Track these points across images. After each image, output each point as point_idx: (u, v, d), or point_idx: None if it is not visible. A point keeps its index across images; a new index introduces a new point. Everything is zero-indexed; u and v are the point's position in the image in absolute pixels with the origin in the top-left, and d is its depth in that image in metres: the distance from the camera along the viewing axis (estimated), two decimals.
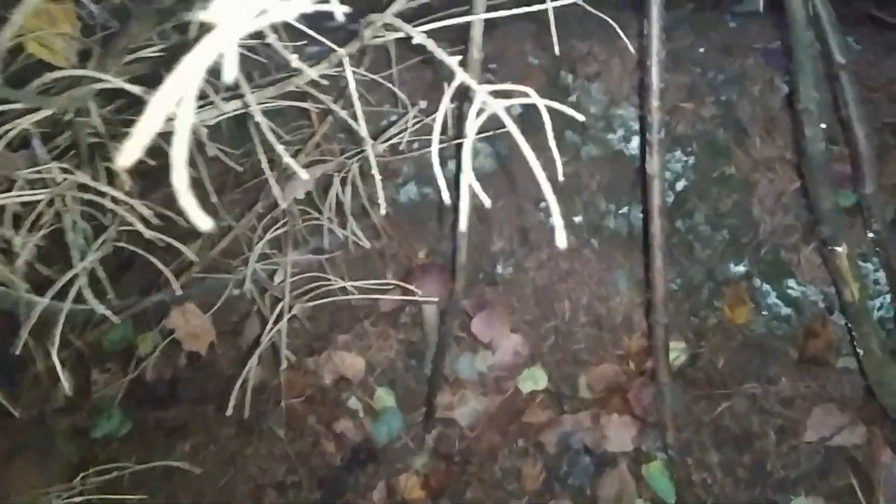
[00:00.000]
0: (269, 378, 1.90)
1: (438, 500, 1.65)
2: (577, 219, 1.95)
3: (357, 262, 2.06)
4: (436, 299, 1.71)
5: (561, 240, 0.54)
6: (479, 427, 1.75)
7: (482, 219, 2.01)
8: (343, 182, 1.18)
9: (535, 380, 1.79)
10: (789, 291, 1.61)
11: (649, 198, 1.12)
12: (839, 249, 1.20)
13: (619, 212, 1.89)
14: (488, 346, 1.87)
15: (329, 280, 0.98)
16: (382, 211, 0.81)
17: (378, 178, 0.83)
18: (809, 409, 1.52)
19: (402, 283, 0.92)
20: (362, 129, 0.83)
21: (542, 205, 1.98)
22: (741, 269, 1.67)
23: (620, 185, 1.88)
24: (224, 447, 1.82)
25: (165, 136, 0.29)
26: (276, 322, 0.91)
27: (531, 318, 1.91)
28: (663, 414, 1.32)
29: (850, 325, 1.35)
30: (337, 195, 1.17)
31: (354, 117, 0.97)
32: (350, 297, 0.97)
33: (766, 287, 1.63)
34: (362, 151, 1.24)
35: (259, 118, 0.68)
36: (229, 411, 1.43)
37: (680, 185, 1.75)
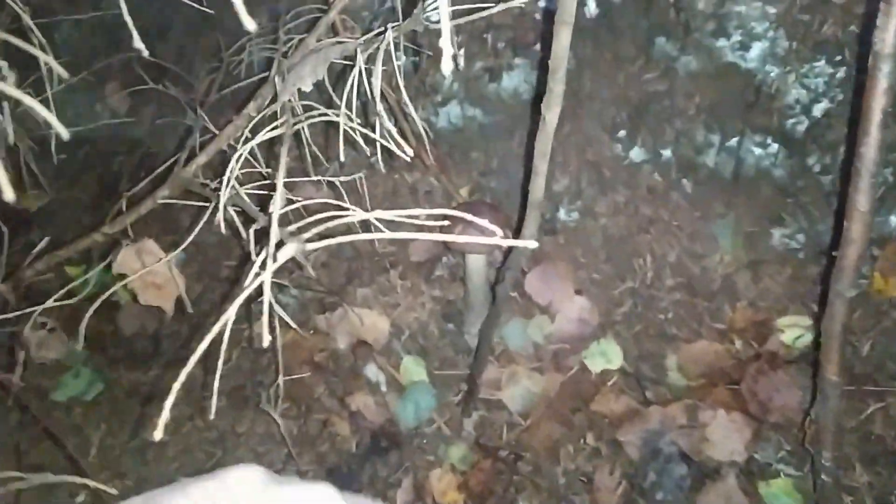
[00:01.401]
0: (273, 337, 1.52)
1: None
2: (666, 153, 1.52)
3: (381, 198, 1.66)
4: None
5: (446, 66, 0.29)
6: (533, 414, 1.36)
7: None
8: (368, 68, 0.77)
9: (606, 357, 1.39)
10: None
11: (868, 96, 0.69)
12: None
13: (725, 144, 1.46)
14: (546, 309, 1.48)
15: (344, 210, 0.61)
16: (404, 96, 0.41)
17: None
18: None
19: (447, 215, 0.55)
20: None
21: (620, 133, 1.55)
22: None
23: (729, 108, 1.44)
24: (212, 422, 1.46)
25: None
26: (262, 265, 0.55)
27: (601, 276, 1.50)
28: (823, 425, 0.92)
29: None
30: (357, 87, 0.76)
31: None
32: (371, 235, 0.58)
33: None
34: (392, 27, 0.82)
35: None
36: (215, 384, 1.06)
37: (819, 108, 1.31)
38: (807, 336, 1.29)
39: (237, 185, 0.77)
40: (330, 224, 0.86)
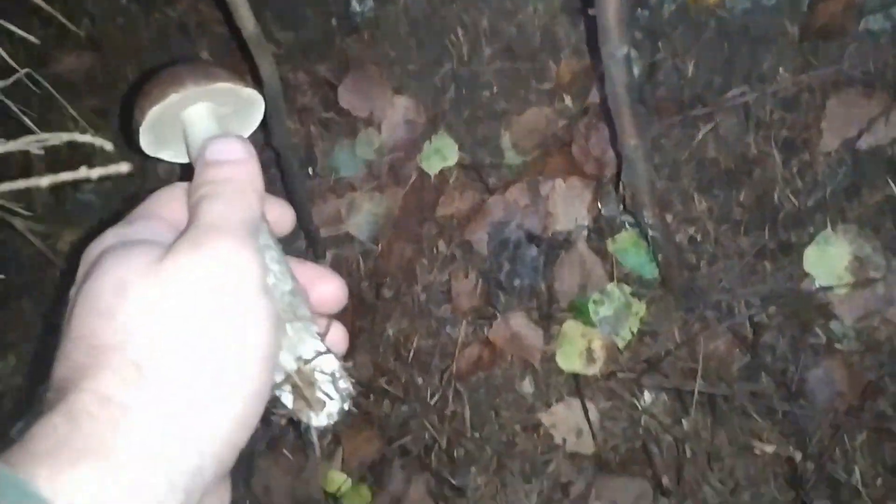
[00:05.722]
0: None
1: (354, 346, 1.24)
2: None
3: (149, 42, 1.41)
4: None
5: None
6: (383, 237, 1.28)
7: None
8: None
9: (442, 154, 1.29)
10: None
11: None
12: None
13: None
14: (369, 121, 1.34)
15: None
16: None
17: None
18: (823, 104, 1.07)
19: None
20: None
21: None
22: None
23: None
24: None
25: None
26: None
27: (417, 67, 1.35)
28: (637, 189, 0.86)
29: None
30: None
31: None
32: None
33: None
34: None
35: None
36: None
37: None
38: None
39: None
40: None
